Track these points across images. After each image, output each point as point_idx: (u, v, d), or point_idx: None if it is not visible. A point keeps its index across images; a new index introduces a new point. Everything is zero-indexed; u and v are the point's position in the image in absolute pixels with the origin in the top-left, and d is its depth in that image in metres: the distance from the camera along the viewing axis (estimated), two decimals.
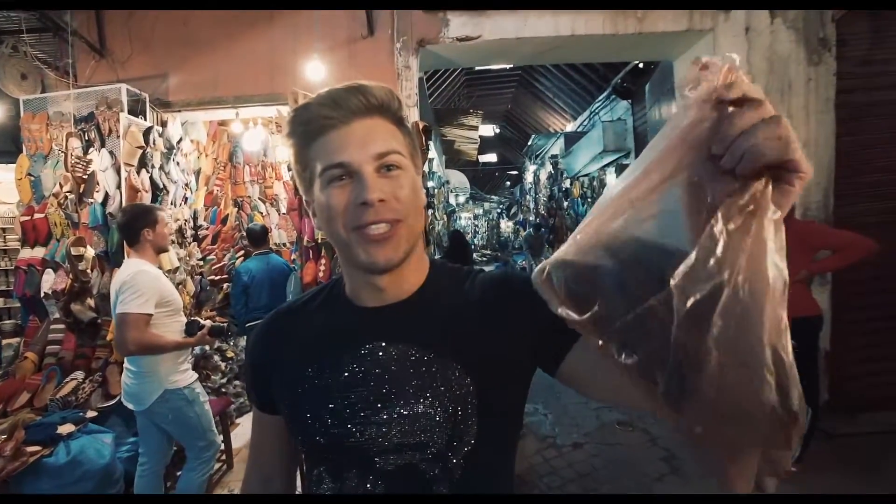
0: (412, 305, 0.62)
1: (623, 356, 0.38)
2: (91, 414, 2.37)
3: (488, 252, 15.95)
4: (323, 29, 3.09)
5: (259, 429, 0.72)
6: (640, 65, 5.06)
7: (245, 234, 3.56)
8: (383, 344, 0.60)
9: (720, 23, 3.02)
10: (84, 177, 2.58)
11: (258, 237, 3.25)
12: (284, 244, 4.01)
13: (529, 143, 11.19)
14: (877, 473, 2.41)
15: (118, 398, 2.56)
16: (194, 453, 2.10)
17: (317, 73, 3.00)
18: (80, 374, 2.46)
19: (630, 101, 5.84)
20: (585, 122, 7.93)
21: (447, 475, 0.57)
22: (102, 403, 2.53)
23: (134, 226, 1.99)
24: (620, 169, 6.37)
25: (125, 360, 2.03)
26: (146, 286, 1.87)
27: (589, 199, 7.82)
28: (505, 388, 0.60)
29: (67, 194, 2.60)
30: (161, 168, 2.86)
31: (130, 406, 2.04)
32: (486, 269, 0.70)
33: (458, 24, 3.05)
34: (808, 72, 3.00)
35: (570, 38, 3.06)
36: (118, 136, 2.58)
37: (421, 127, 3.03)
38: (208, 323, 2.14)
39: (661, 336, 0.36)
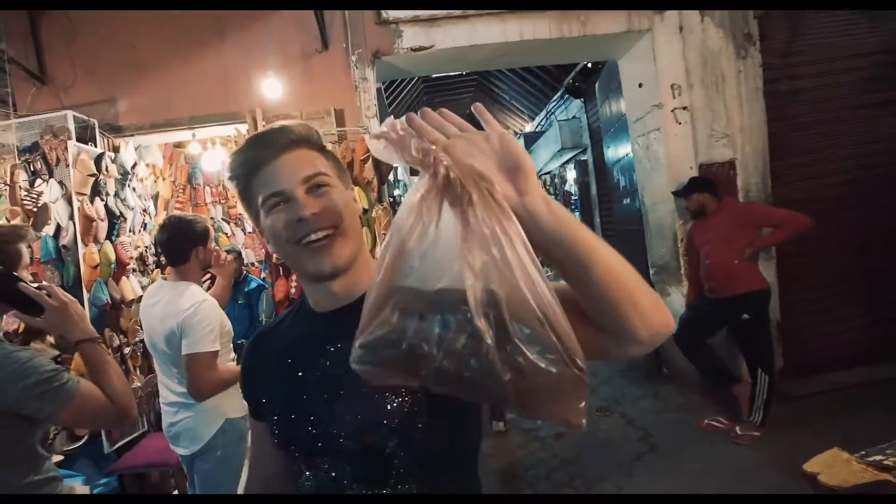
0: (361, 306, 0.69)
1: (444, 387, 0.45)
2: (56, 458, 2.26)
3: None
4: (276, 45, 3.08)
5: (256, 435, 0.81)
6: (589, 64, 5.30)
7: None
8: (339, 344, 0.67)
9: (656, 23, 3.23)
10: (34, 209, 2.46)
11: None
12: (253, 263, 3.94)
13: None
14: (833, 429, 2.60)
15: (85, 438, 2.45)
16: None
17: (273, 89, 3.00)
18: None
19: (583, 99, 6.09)
20: (543, 122, 8.18)
21: (405, 448, 0.64)
22: (68, 446, 2.41)
23: (183, 243, 1.72)
24: (579, 165, 6.61)
25: (165, 395, 1.77)
26: (212, 318, 1.64)
27: (552, 196, 8.05)
28: None
29: None
30: (116, 195, 2.76)
31: (181, 451, 1.75)
32: None
33: (411, 34, 3.13)
34: (737, 64, 3.25)
35: (518, 44, 3.19)
36: (67, 165, 2.48)
37: None
38: None
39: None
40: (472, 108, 0.57)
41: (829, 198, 3.33)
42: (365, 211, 2.89)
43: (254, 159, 0.68)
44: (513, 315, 0.41)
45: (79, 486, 1.82)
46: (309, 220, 0.64)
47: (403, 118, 0.49)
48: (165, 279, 1.84)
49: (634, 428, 3.11)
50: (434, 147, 0.46)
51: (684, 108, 3.25)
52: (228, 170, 0.71)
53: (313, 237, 0.64)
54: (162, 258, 1.83)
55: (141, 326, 2.13)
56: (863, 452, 1.99)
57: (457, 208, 0.44)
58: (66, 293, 1.12)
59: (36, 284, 1.12)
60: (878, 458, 1.95)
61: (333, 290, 0.69)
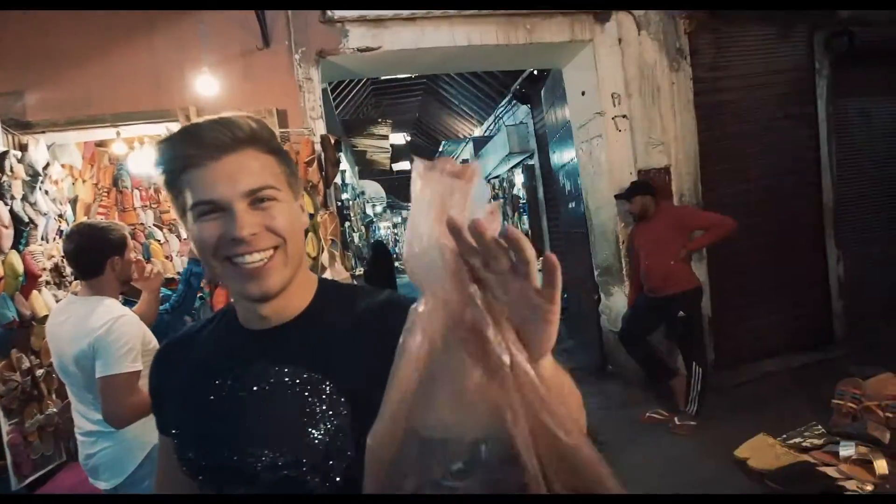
0: (294, 328, 0.63)
1: None
2: None
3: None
4: (213, 40, 2.90)
5: (164, 451, 0.72)
6: (535, 72, 5.45)
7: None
8: (264, 366, 0.61)
9: (597, 34, 3.37)
10: None
11: None
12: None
13: (441, 150, 11.45)
14: (762, 415, 2.82)
15: None
16: None
17: (208, 87, 2.82)
18: None
19: (529, 105, 6.24)
20: (491, 127, 8.31)
21: (326, 485, 0.59)
22: None
23: (95, 254, 1.55)
24: (526, 169, 6.77)
25: (80, 424, 1.58)
26: (131, 336, 1.47)
27: (501, 199, 8.19)
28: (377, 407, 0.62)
29: None
30: (24, 199, 2.48)
31: (102, 485, 1.57)
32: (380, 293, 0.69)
33: (358, 34, 3.05)
34: (670, 76, 3.45)
35: (466, 49, 3.21)
36: None
37: (332, 141, 2.97)
38: None
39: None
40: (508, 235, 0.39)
41: (752, 202, 3.63)
42: (311, 216, 2.79)
43: (187, 157, 0.57)
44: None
45: None
46: (245, 241, 0.56)
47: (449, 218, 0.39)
48: (76, 294, 1.64)
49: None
50: (470, 272, 0.39)
51: (623, 116, 3.41)
52: (156, 156, 0.60)
53: (247, 259, 0.57)
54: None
55: None
56: (784, 436, 2.18)
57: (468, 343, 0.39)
58: None
59: None
60: (797, 440, 2.14)
61: (262, 311, 0.62)
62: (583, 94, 3.61)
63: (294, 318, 0.64)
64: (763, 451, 1.98)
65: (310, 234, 2.83)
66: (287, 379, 0.61)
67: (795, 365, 3.48)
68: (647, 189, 3.08)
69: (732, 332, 3.62)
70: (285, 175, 0.61)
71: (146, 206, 3.82)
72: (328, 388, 0.60)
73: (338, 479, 0.60)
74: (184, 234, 3.82)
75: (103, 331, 1.45)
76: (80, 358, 1.49)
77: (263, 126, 0.60)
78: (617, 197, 3.28)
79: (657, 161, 3.47)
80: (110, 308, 1.53)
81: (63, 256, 2.71)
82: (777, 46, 3.69)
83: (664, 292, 2.96)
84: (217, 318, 0.70)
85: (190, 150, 0.57)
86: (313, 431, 0.59)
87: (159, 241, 3.73)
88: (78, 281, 2.75)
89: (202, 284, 3.11)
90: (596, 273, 3.84)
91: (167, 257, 3.56)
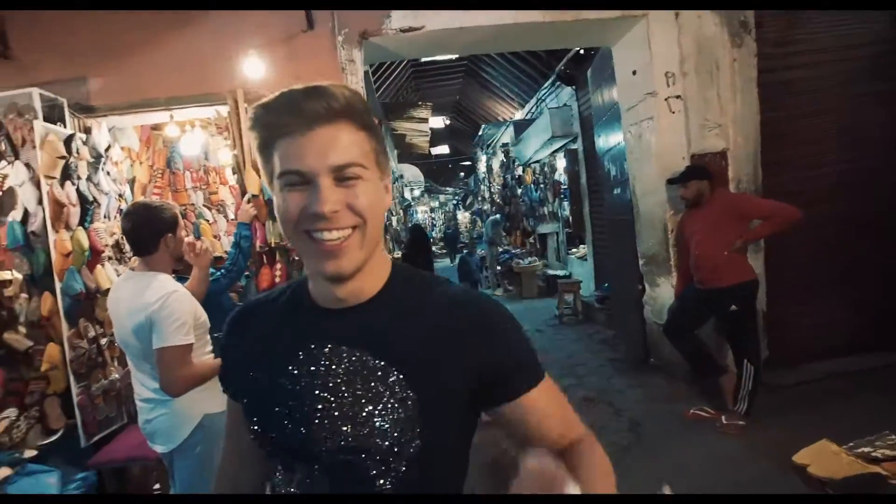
0: (366, 311, 0.62)
1: None
2: (30, 453, 2.17)
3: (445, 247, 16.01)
4: (259, 25, 2.95)
5: (232, 415, 0.73)
6: (581, 51, 5.21)
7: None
8: (331, 346, 0.61)
9: (652, 8, 3.15)
10: None
11: None
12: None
13: (480, 133, 11.28)
14: (817, 418, 2.64)
15: (60, 432, 2.36)
16: None
17: (255, 70, 2.87)
18: (12, 412, 2.24)
19: (574, 86, 6.01)
20: (533, 110, 8.08)
21: (390, 474, 0.59)
22: (42, 441, 2.32)
23: (150, 231, 1.62)
24: (569, 154, 6.56)
25: (139, 391, 1.69)
26: (183, 311, 1.56)
27: (541, 185, 8.00)
28: (447, 408, 0.61)
29: None
30: (89, 179, 2.63)
31: (158, 448, 1.69)
32: (452, 282, 0.69)
33: (400, 15, 3.01)
34: (732, 53, 3.20)
35: (510, 27, 3.10)
36: (34, 147, 2.34)
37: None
38: None
39: None
40: None
41: (819, 189, 3.34)
42: None
43: (280, 125, 0.56)
44: None
45: (52, 479, 1.41)
46: (326, 217, 0.55)
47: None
48: (133, 270, 1.73)
49: (621, 418, 3.12)
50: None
51: (678, 96, 3.21)
52: (250, 118, 0.59)
53: (325, 235, 0.56)
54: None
55: None
56: (851, 444, 2.02)
57: None
58: None
59: None
60: (866, 449, 1.97)
61: (335, 292, 0.61)
62: (633, 73, 3.41)
63: (367, 301, 0.63)
64: (826, 459, 1.84)
65: None
66: (356, 362, 0.60)
67: (860, 367, 3.22)
68: (703, 173, 2.89)
69: (789, 329, 3.39)
70: (374, 153, 0.59)
71: (196, 188, 3.99)
72: (395, 376, 0.59)
73: (399, 476, 0.59)
74: (231, 215, 3.98)
75: (158, 305, 1.53)
76: (137, 330, 1.58)
77: (359, 98, 0.58)
78: (669, 181, 3.08)
79: (713, 144, 3.25)
80: (164, 284, 1.61)
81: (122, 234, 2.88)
82: (855, 18, 3.33)
83: (715, 284, 2.79)
84: (290, 290, 0.69)
85: (284, 119, 0.56)
86: (377, 420, 0.58)
87: (208, 221, 3.90)
88: (135, 257, 2.93)
89: (248, 263, 3.24)
90: (641, 262, 3.69)
91: (215, 237, 3.72)
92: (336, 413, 0.59)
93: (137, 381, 1.71)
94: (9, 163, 2.40)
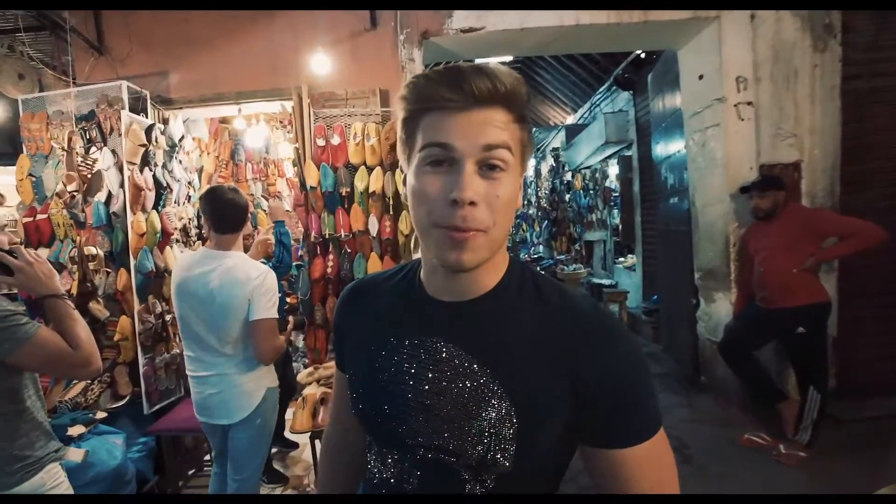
0: (476, 308, 0.59)
1: None
2: (101, 415, 2.36)
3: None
4: (324, 23, 3.05)
5: (339, 384, 0.77)
6: (643, 55, 5.03)
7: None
8: (436, 340, 0.60)
9: (726, 9, 3.00)
10: (89, 175, 2.54)
11: None
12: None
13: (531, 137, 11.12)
14: (885, 458, 2.42)
15: (127, 398, 2.55)
16: (245, 477, 1.78)
17: (321, 67, 2.98)
18: None
19: (632, 91, 5.81)
20: (586, 115, 7.89)
21: (478, 486, 0.57)
22: (112, 404, 2.51)
23: (244, 210, 1.75)
24: (622, 160, 6.35)
25: (198, 369, 1.76)
26: (275, 288, 1.70)
27: (591, 191, 7.79)
28: (544, 427, 0.56)
29: (74, 193, 2.56)
30: (164, 166, 2.82)
31: (219, 422, 1.76)
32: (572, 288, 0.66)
33: (462, 15, 3.02)
34: (813, 58, 2.98)
35: (574, 28, 3.03)
36: (119, 134, 2.54)
37: None
38: (291, 318, 2.09)
39: None
40: None
41: None
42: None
43: (437, 98, 0.52)
44: None
45: (73, 452, 1.46)
46: (462, 206, 0.51)
47: None
48: (208, 248, 1.79)
49: (668, 437, 2.98)
50: None
51: (749, 103, 3.03)
52: (404, 89, 0.56)
53: (453, 226, 0.52)
54: (208, 227, 1.81)
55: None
56: None
57: None
58: (34, 253, 1.20)
59: (6, 248, 1.18)
60: None
61: (450, 279, 0.59)
62: (700, 77, 3.25)
63: (480, 297, 0.60)
64: None
65: (403, 212, 2.91)
66: (463, 361, 0.58)
67: None
68: (781, 184, 2.71)
69: (861, 358, 3.12)
70: (520, 144, 0.56)
71: (256, 179, 4.19)
72: (497, 386, 0.56)
73: (487, 488, 0.56)
74: (287, 206, 4.14)
75: (259, 280, 1.66)
76: (229, 302, 1.65)
77: (522, 84, 0.55)
78: (743, 190, 2.89)
79: (786, 155, 3.04)
80: (257, 263, 1.74)
81: (191, 219, 3.06)
82: None
83: (782, 304, 2.61)
84: (404, 272, 0.68)
85: (443, 91, 0.52)
86: (473, 421, 0.55)
87: (265, 211, 4.08)
88: (203, 238, 3.11)
89: (301, 254, 3.36)
90: (696, 275, 3.51)
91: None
92: (430, 410, 0.57)
93: (196, 359, 1.77)
94: (98, 149, 2.61)
